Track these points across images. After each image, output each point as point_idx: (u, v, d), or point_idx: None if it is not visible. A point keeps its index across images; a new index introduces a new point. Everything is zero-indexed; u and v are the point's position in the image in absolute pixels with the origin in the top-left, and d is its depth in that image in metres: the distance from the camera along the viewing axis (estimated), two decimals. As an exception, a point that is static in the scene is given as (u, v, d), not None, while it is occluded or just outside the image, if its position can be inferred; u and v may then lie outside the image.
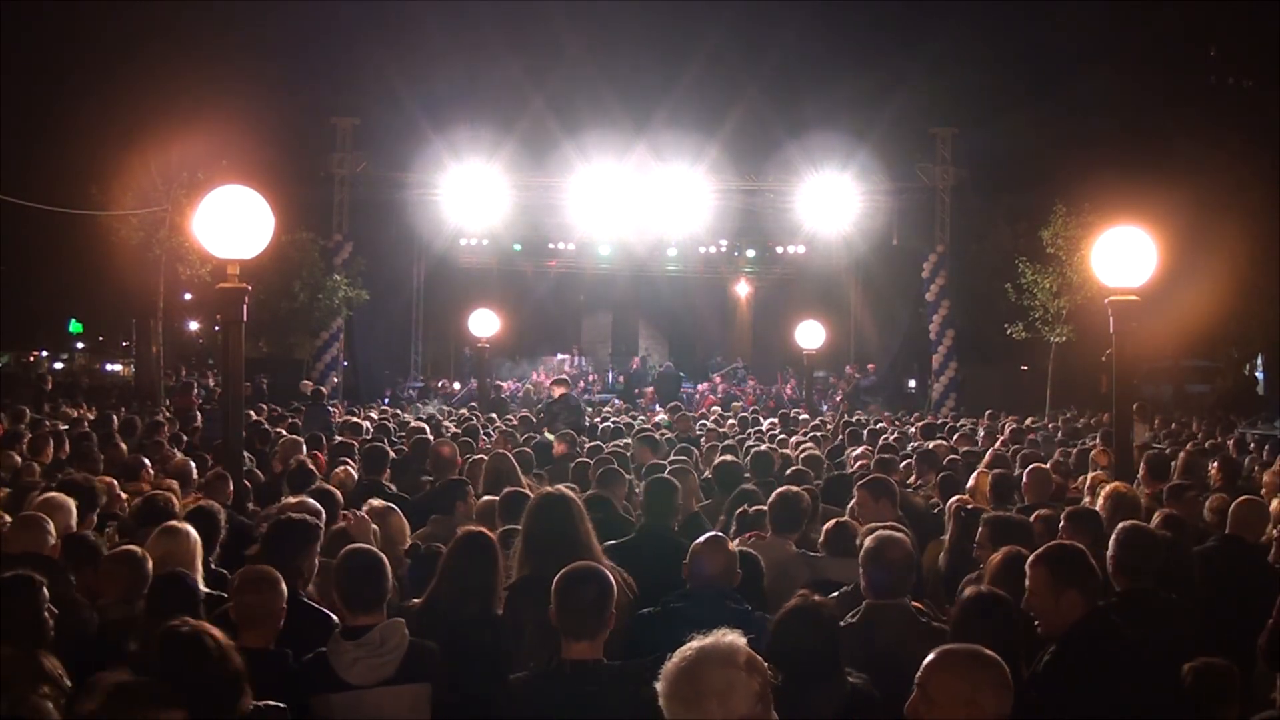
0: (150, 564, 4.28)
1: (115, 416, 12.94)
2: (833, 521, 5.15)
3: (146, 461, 7.43)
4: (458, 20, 25.15)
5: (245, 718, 2.95)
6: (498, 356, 25.04)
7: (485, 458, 7.57)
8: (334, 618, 3.83)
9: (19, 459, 8.19)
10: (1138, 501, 5.63)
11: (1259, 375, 28.13)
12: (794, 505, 5.25)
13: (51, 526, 4.41)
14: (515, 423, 12.80)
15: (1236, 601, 4.77)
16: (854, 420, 14.57)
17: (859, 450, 9.37)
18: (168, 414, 14.20)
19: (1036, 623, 3.52)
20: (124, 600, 4.09)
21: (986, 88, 24.64)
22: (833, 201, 23.20)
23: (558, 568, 3.45)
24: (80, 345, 44.57)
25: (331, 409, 15.25)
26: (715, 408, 19.13)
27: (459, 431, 10.85)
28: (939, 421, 15.27)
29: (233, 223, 6.36)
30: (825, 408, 21.43)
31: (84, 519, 5.08)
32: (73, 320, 40.17)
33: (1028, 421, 15.38)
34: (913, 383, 26.42)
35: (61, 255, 23.66)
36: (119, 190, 18.70)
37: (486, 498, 5.88)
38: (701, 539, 4.15)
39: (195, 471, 7.14)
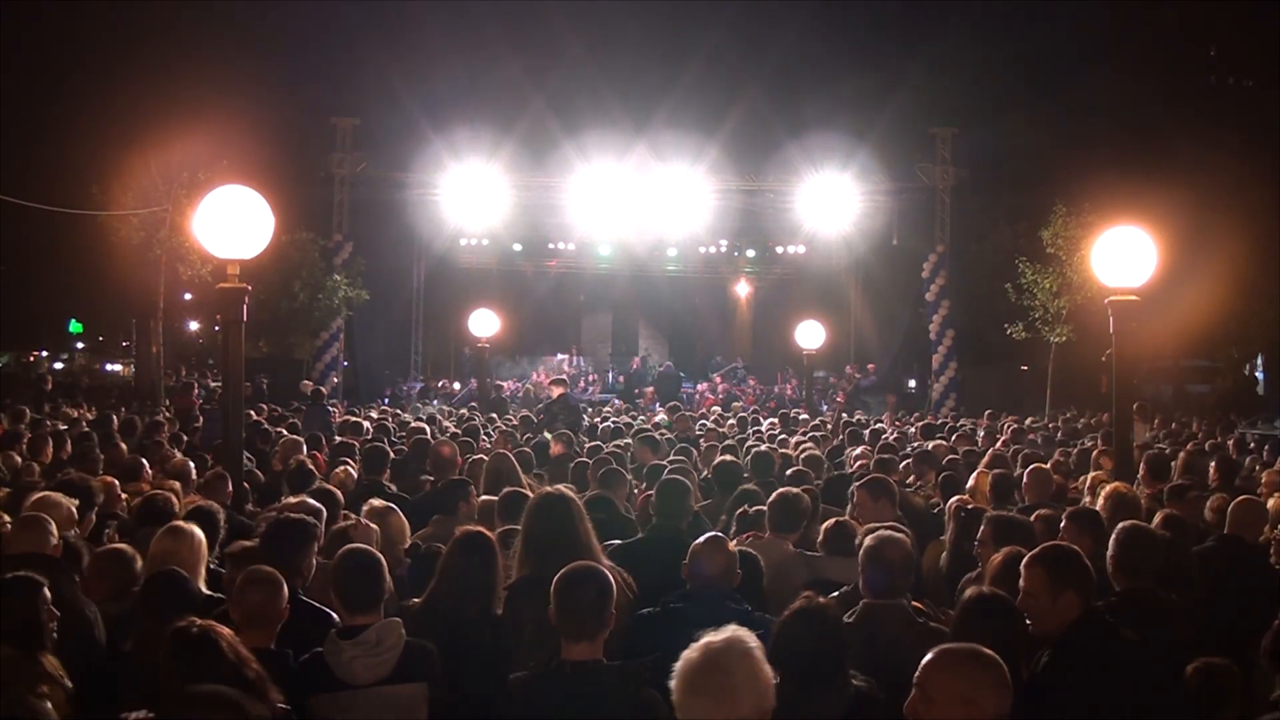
0: (139, 563, 4.28)
1: (115, 416, 12.94)
2: (831, 521, 5.15)
3: (145, 462, 7.43)
4: (458, 20, 25.17)
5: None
6: (498, 356, 25.07)
7: (485, 458, 7.57)
8: (335, 616, 3.83)
9: (19, 459, 8.20)
10: (1138, 502, 5.62)
11: (1259, 375, 28.13)
12: (793, 506, 5.25)
13: (54, 527, 4.40)
14: (515, 423, 12.80)
15: (1236, 601, 4.77)
16: (854, 420, 14.58)
17: (859, 450, 9.38)
18: (167, 414, 14.20)
19: (1029, 622, 3.51)
20: (112, 599, 4.09)
21: (986, 88, 24.65)
22: (833, 201, 23.19)
23: (557, 567, 3.45)
24: (80, 345, 44.59)
25: (331, 409, 15.25)
26: (715, 408, 19.12)
27: (458, 431, 10.85)
28: (939, 422, 15.27)
29: (233, 223, 6.36)
30: (825, 408, 21.42)
31: (82, 519, 5.07)
32: (73, 320, 40.19)
33: (1028, 421, 15.38)
34: (913, 383, 26.42)
35: (61, 255, 23.67)
36: (119, 190, 18.71)
37: (486, 498, 5.89)
38: (701, 539, 4.15)
39: (194, 472, 7.14)
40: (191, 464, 7.31)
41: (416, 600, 4.13)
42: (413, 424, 11.77)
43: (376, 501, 5.57)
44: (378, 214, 23.66)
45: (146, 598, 3.88)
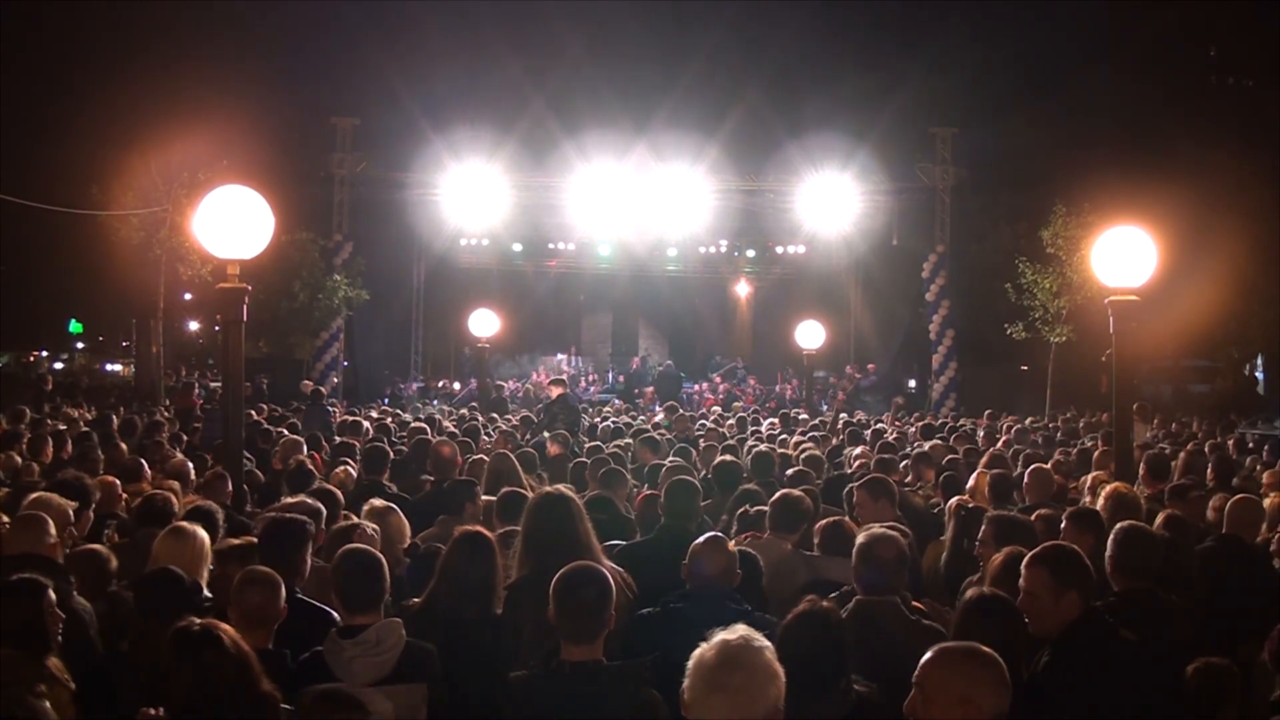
0: (113, 563, 4.27)
1: (115, 417, 12.94)
2: (827, 520, 5.15)
3: (145, 462, 7.42)
4: (458, 20, 25.18)
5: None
6: (498, 355, 25.07)
7: (485, 458, 7.56)
8: (334, 614, 3.84)
9: (19, 459, 8.19)
10: (1138, 502, 5.62)
11: (1259, 375, 28.13)
12: (795, 507, 5.24)
13: (51, 527, 4.40)
14: (515, 423, 12.79)
15: (1235, 601, 4.77)
16: (854, 420, 14.57)
17: (859, 450, 9.37)
18: (167, 414, 14.20)
19: (1029, 623, 3.51)
20: (87, 599, 4.09)
21: (986, 88, 24.66)
22: (833, 201, 23.19)
23: (557, 567, 3.44)
24: (80, 345, 44.60)
25: (331, 409, 15.25)
26: (715, 408, 19.12)
27: (455, 431, 10.84)
28: (939, 422, 15.26)
29: (233, 223, 6.35)
30: (825, 407, 21.43)
31: (79, 518, 5.07)
32: (73, 320, 40.20)
33: (1028, 421, 15.38)
34: (913, 383, 26.42)
35: (61, 255, 23.69)
36: (119, 190, 18.73)
37: (486, 498, 5.88)
38: (701, 539, 4.15)
39: (193, 472, 7.14)
40: (190, 464, 7.31)
41: (416, 600, 4.13)
42: (413, 424, 11.77)
43: (377, 501, 5.57)
44: (378, 214, 23.66)
45: (143, 597, 3.87)
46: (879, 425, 13.21)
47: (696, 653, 2.53)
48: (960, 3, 26.65)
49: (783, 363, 26.51)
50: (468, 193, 22.88)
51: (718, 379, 25.99)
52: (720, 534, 4.39)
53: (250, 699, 2.96)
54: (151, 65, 21.45)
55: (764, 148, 23.06)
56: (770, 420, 14.22)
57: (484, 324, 16.89)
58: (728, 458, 7.78)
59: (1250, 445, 12.97)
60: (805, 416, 14.82)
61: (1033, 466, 7.10)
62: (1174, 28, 26.93)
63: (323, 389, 15.80)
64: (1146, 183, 19.38)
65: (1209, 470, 7.63)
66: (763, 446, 9.00)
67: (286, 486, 6.62)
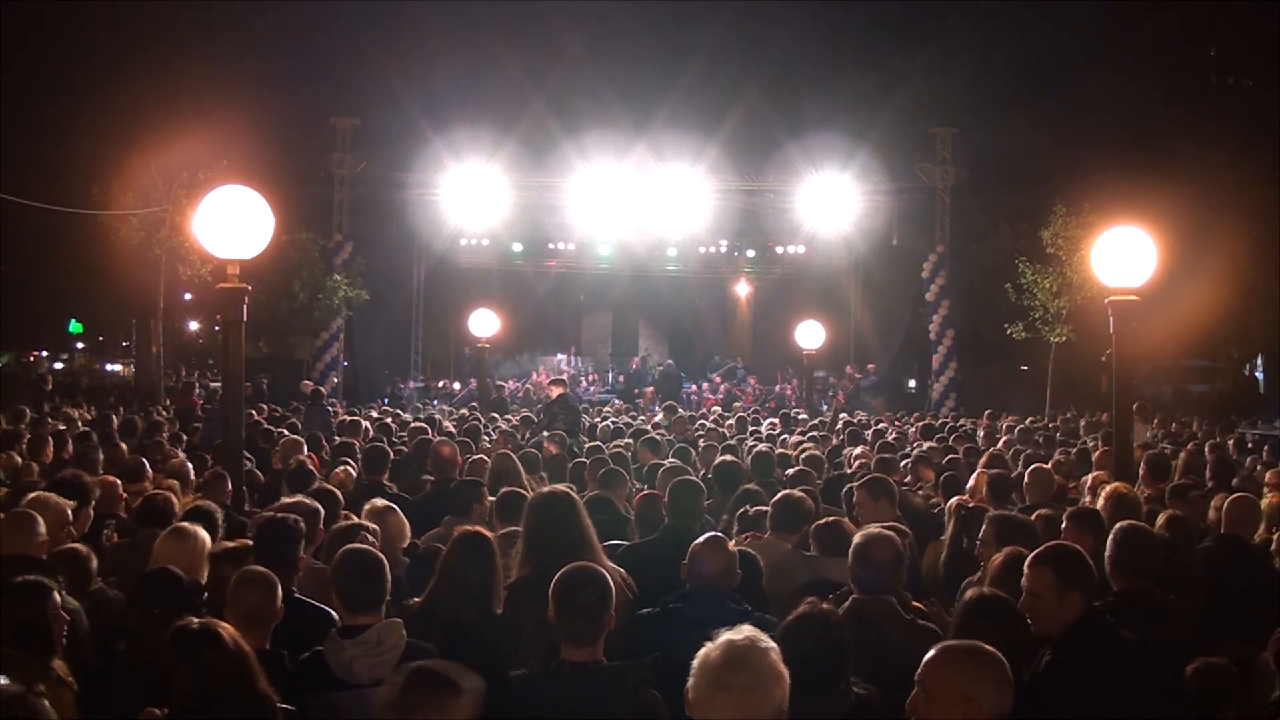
0: (94, 562, 4.26)
1: (115, 416, 12.93)
2: (823, 520, 5.14)
3: (146, 463, 7.42)
4: (458, 20, 25.17)
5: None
6: (498, 355, 25.08)
7: (485, 458, 7.56)
8: (332, 613, 3.83)
9: (19, 459, 8.19)
10: (1138, 502, 5.62)
11: (1259, 375, 28.12)
12: (796, 507, 5.24)
13: (42, 526, 4.38)
14: (515, 422, 12.79)
15: (1236, 600, 4.77)
16: (854, 420, 14.57)
17: (859, 450, 9.37)
18: (167, 414, 14.20)
19: (1031, 623, 3.51)
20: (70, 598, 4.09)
21: (986, 88, 24.65)
22: (833, 201, 23.20)
23: (558, 567, 3.45)
24: (80, 345, 44.58)
25: (331, 408, 15.25)
26: (716, 408, 19.13)
27: (453, 431, 10.83)
28: (939, 422, 15.27)
29: (233, 223, 6.35)
30: (825, 408, 21.43)
31: (78, 517, 5.07)
32: (73, 320, 40.18)
33: (1028, 421, 15.38)
34: (913, 383, 26.42)
35: (61, 255, 23.67)
36: (119, 190, 18.73)
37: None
38: (701, 539, 4.15)
39: (193, 472, 7.13)
40: (189, 464, 7.31)
41: (416, 600, 4.12)
42: (413, 424, 11.76)
43: (377, 501, 5.57)
44: (378, 214, 23.66)
45: (143, 596, 3.87)
46: (880, 425, 13.21)
47: (701, 653, 2.53)
48: (960, 3, 26.65)
49: (783, 363, 26.50)
50: (468, 193, 22.88)
51: (718, 379, 25.99)
52: (720, 534, 4.39)
53: (249, 698, 2.97)
54: (151, 65, 21.44)
55: (764, 148, 23.08)
56: (770, 420, 14.22)
57: (484, 324, 16.89)
58: (728, 458, 7.77)
59: (1250, 445, 12.97)
60: (804, 416, 14.82)
61: (1033, 466, 7.10)
62: (1174, 28, 26.92)
63: (323, 389, 15.79)
64: (1146, 183, 19.37)
65: (1208, 470, 7.63)
66: (763, 446, 9.01)
67: (287, 486, 6.62)
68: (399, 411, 16.83)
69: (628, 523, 6.09)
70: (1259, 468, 9.84)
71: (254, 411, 13.07)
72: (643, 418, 15.32)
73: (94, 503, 5.55)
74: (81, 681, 3.53)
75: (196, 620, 3.08)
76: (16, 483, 7.05)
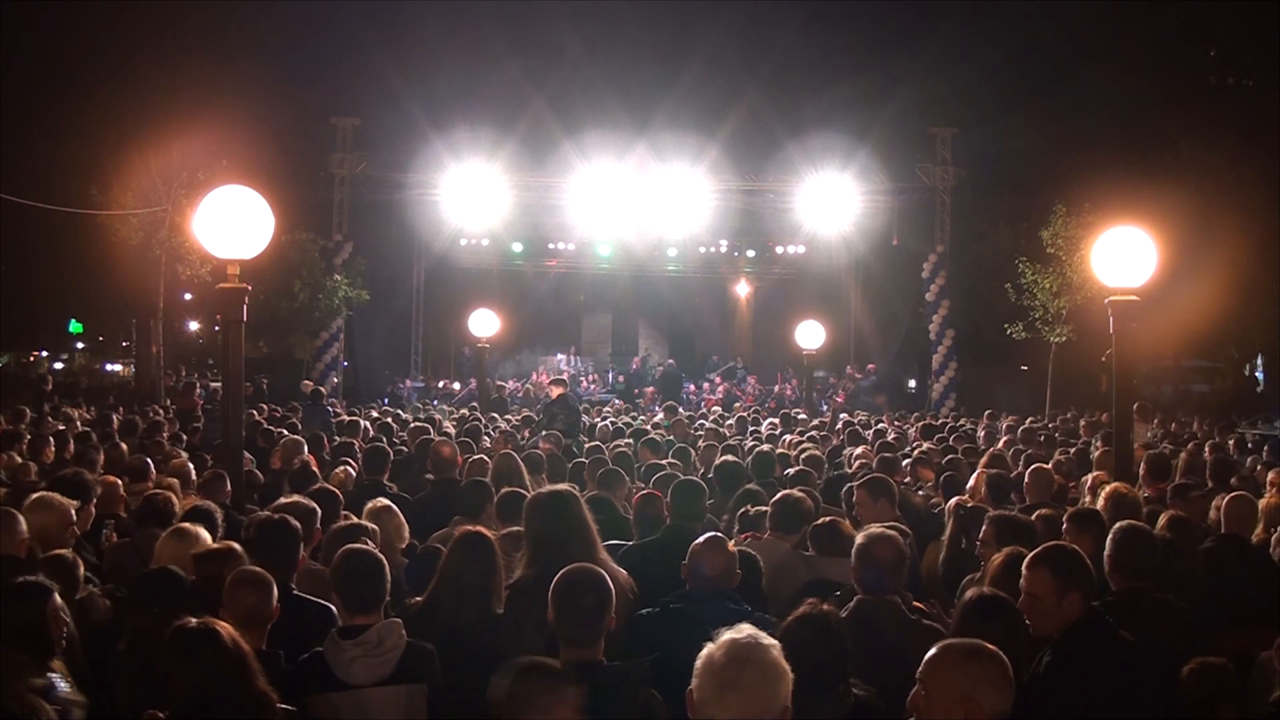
0: (81, 568, 4.24)
1: (115, 416, 12.93)
2: (821, 521, 5.15)
3: (150, 463, 7.41)
4: (457, 20, 25.14)
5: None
6: (498, 355, 25.07)
7: (485, 458, 7.56)
8: (334, 609, 3.84)
9: (18, 459, 8.19)
10: (1138, 502, 5.62)
11: (1259, 375, 28.12)
12: (795, 508, 5.25)
13: (23, 525, 4.35)
14: (516, 422, 12.79)
15: (1239, 599, 4.76)
16: (854, 420, 14.57)
17: (859, 450, 9.37)
18: (167, 414, 14.19)
19: (1030, 623, 3.51)
20: None
21: (986, 88, 24.61)
22: (833, 201, 23.20)
23: (560, 566, 3.44)
24: (80, 345, 44.54)
25: (331, 409, 15.25)
26: (716, 408, 19.13)
27: (452, 431, 10.83)
28: (939, 422, 15.27)
29: (233, 223, 6.35)
30: (825, 408, 21.44)
31: (80, 515, 5.05)
32: (73, 320, 40.12)
33: (1028, 421, 15.37)
34: (913, 383, 26.41)
35: (61, 255, 23.64)
36: (119, 190, 18.72)
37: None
38: (701, 539, 4.15)
39: (193, 472, 7.13)
40: (190, 464, 7.30)
41: (417, 600, 4.12)
42: (413, 424, 11.76)
43: (376, 502, 5.56)
44: (378, 214, 23.68)
45: (141, 596, 3.87)
46: (880, 425, 13.21)
47: (704, 653, 2.52)
48: (960, 3, 26.63)
49: (783, 363, 26.51)
50: (468, 193, 22.88)
51: (717, 379, 25.99)
52: (720, 534, 4.39)
53: (249, 697, 2.97)
54: (151, 65, 21.43)
55: (764, 148, 23.08)
56: (770, 420, 14.22)
57: (484, 324, 16.89)
58: (729, 458, 7.77)
59: (1250, 445, 12.98)
60: (804, 416, 14.82)
61: (1033, 466, 7.09)
62: (1174, 28, 26.90)
63: (323, 389, 15.80)
64: (1146, 183, 19.36)
65: (1208, 470, 7.62)
66: (764, 446, 9.01)
67: (289, 486, 6.62)
68: (399, 411, 16.84)
69: (626, 523, 6.09)
70: (1259, 468, 9.84)
71: (254, 411, 13.07)
72: (643, 418, 15.31)
73: (94, 501, 5.54)
74: (79, 683, 3.52)
75: (195, 620, 3.08)
76: (16, 483, 7.04)
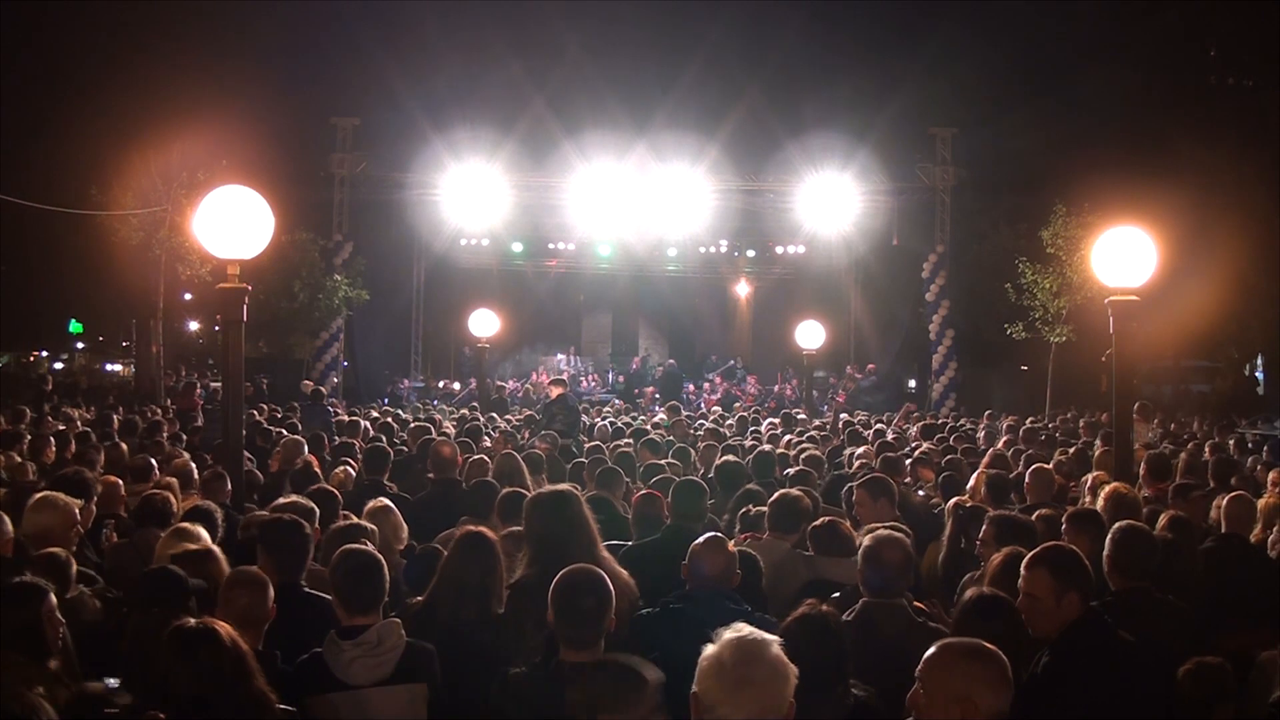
0: (73, 567, 4.25)
1: (115, 416, 12.93)
2: (821, 521, 5.15)
3: (154, 463, 7.41)
4: (457, 21, 25.14)
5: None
6: (498, 355, 25.07)
7: (485, 458, 7.56)
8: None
9: (18, 459, 8.18)
10: (1138, 502, 5.62)
11: (1259, 375, 28.11)
12: (793, 507, 5.24)
13: (8, 524, 4.34)
14: (516, 422, 12.79)
15: (1240, 599, 4.76)
16: (854, 420, 14.57)
17: (859, 450, 9.36)
18: (167, 414, 14.19)
19: (1029, 623, 3.50)
20: None
21: (986, 88, 24.60)
22: (833, 201, 23.20)
23: (561, 565, 3.44)
24: (80, 345, 44.53)
25: (331, 408, 15.25)
26: (716, 408, 19.13)
27: (451, 432, 10.83)
28: (939, 422, 15.27)
29: (233, 223, 6.36)
30: (825, 408, 21.44)
31: (81, 513, 5.05)
32: (73, 320, 40.13)
33: (1028, 421, 15.37)
34: (913, 383, 26.42)
35: (61, 255, 23.65)
36: (119, 190, 18.71)
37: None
38: (701, 539, 4.14)
39: (195, 472, 7.12)
40: (191, 464, 7.30)
41: (417, 599, 4.12)
42: (414, 424, 11.76)
43: (375, 501, 5.56)
44: (378, 214, 23.68)
45: (140, 596, 3.87)
46: (879, 425, 13.21)
47: (708, 654, 2.51)
48: (960, 3, 26.62)
49: (783, 363, 26.52)
50: (468, 193, 22.89)
51: (717, 379, 25.99)
52: (720, 534, 4.38)
53: (247, 696, 2.97)
54: (151, 65, 21.42)
55: (764, 148, 23.07)
56: (770, 420, 14.22)
57: (484, 324, 16.89)
58: (730, 458, 7.77)
59: (1250, 445, 12.97)
60: (804, 416, 14.82)
61: (1034, 466, 7.10)
62: (1174, 28, 26.88)
63: (323, 389, 15.79)
64: (1146, 183, 19.35)
65: (1209, 471, 7.63)
66: (764, 446, 9.01)
67: (290, 486, 6.62)
68: (399, 411, 16.84)
69: (626, 523, 6.09)
70: (1259, 468, 9.84)
71: (254, 411, 13.06)
72: (643, 418, 15.32)
73: (94, 500, 5.54)
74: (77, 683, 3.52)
75: (194, 619, 3.08)
76: (16, 483, 7.04)
